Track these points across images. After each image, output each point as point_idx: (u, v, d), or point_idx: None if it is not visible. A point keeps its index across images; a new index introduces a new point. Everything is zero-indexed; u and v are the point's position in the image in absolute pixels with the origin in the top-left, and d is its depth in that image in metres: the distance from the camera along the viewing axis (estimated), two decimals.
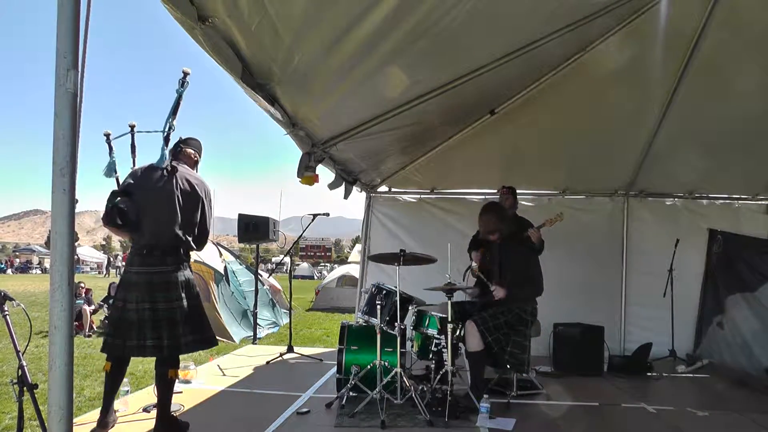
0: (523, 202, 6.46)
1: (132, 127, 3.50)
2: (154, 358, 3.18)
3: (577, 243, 6.29)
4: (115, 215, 3.02)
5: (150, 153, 3.37)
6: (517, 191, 6.45)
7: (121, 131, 3.51)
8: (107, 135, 3.48)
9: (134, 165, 3.43)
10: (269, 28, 2.57)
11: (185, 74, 3.18)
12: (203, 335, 3.27)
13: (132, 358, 3.31)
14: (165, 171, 3.21)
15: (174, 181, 3.20)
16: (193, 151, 3.47)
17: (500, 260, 4.32)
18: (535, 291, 4.22)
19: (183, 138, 3.48)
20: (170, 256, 3.16)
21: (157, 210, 3.14)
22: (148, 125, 3.71)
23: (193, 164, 3.49)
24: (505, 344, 4.03)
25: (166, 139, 3.31)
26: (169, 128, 3.28)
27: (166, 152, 3.25)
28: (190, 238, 3.26)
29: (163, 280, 3.11)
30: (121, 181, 3.32)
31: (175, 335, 3.10)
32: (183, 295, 3.16)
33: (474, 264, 4.66)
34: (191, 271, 3.32)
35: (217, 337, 8.44)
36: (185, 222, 3.21)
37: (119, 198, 3.08)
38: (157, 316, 3.06)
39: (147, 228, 3.13)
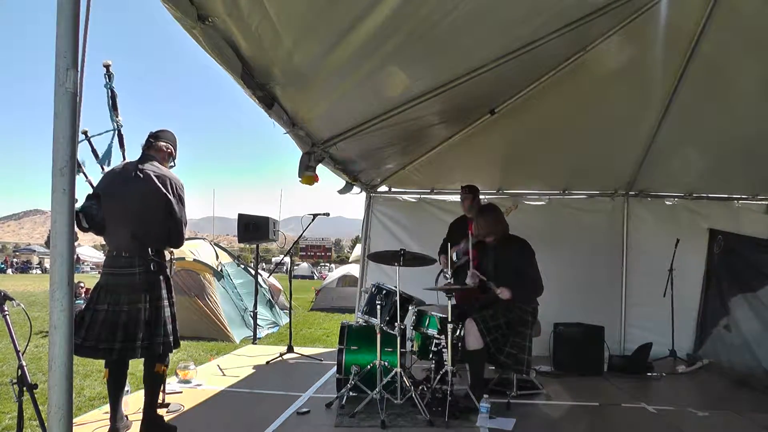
0: (523, 202, 6.47)
1: (85, 133, 3.39)
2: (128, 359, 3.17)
3: (577, 243, 6.30)
4: (80, 219, 3.00)
5: (134, 151, 3.36)
6: (517, 191, 6.51)
7: (123, 135, 3.49)
8: (84, 132, 3.42)
9: (103, 169, 3.35)
10: (269, 29, 2.57)
11: (107, 67, 3.11)
12: (167, 338, 3.15)
13: (132, 360, 3.30)
14: (135, 171, 3.14)
15: (138, 180, 3.13)
16: (164, 143, 3.35)
17: (496, 261, 4.32)
18: (534, 291, 4.21)
19: (153, 132, 3.38)
20: (138, 258, 3.09)
21: (121, 212, 3.09)
22: (148, 126, 3.69)
23: (167, 157, 3.37)
24: (503, 344, 4.03)
25: (119, 136, 3.28)
26: (117, 125, 3.25)
27: (112, 149, 3.22)
28: (158, 239, 3.18)
29: (127, 282, 3.06)
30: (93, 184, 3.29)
31: (139, 337, 3.03)
32: (147, 296, 3.09)
33: (454, 256, 4.71)
34: (164, 271, 3.22)
35: (217, 337, 8.45)
36: (150, 222, 3.14)
37: (87, 202, 3.05)
38: (121, 318, 3.02)
39: (112, 230, 3.11)
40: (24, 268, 44.71)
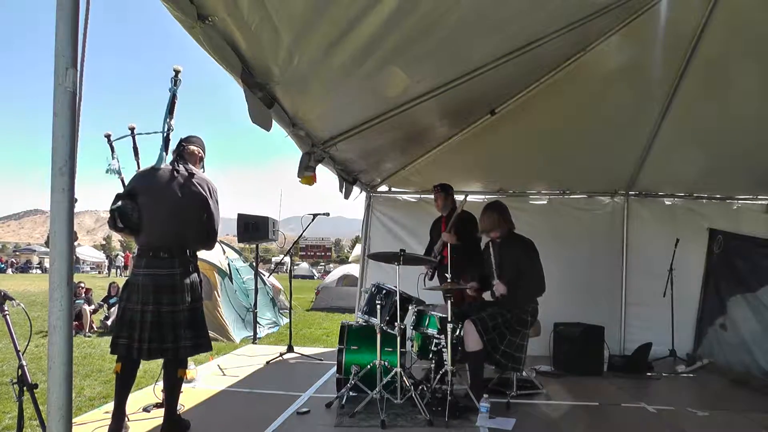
0: (523, 202, 6.48)
1: (132, 129, 3.50)
2: (154, 359, 3.19)
3: (577, 243, 6.30)
4: (115, 217, 3.03)
5: (153, 155, 3.39)
6: (517, 191, 6.50)
7: (120, 131, 3.52)
8: (108, 136, 3.49)
9: (138, 167, 3.44)
10: (269, 28, 2.57)
11: (176, 72, 3.16)
12: (202, 339, 3.26)
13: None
14: (174, 172, 3.19)
15: (178, 181, 3.19)
16: (196, 148, 3.44)
17: (500, 259, 4.32)
18: (537, 289, 4.21)
19: (184, 137, 3.46)
20: (176, 258, 3.14)
21: (161, 212, 3.12)
22: (148, 126, 3.71)
23: (198, 161, 3.45)
24: (499, 344, 4.03)
25: (166, 140, 3.31)
26: (168, 128, 3.28)
27: (164, 153, 3.25)
28: (195, 240, 3.25)
29: (168, 283, 3.10)
30: (126, 183, 3.32)
31: (177, 338, 3.10)
32: (188, 298, 3.16)
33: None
34: (199, 273, 3.30)
35: (218, 337, 8.45)
36: (190, 223, 3.20)
37: (121, 201, 3.07)
38: (160, 319, 3.06)
39: (152, 230, 3.12)
40: (24, 268, 44.71)
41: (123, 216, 3.04)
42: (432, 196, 6.56)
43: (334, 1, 2.56)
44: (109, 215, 3.14)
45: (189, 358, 3.51)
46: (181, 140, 3.42)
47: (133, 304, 3.08)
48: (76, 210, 1.82)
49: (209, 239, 3.32)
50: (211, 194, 3.30)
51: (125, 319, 3.07)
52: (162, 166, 3.25)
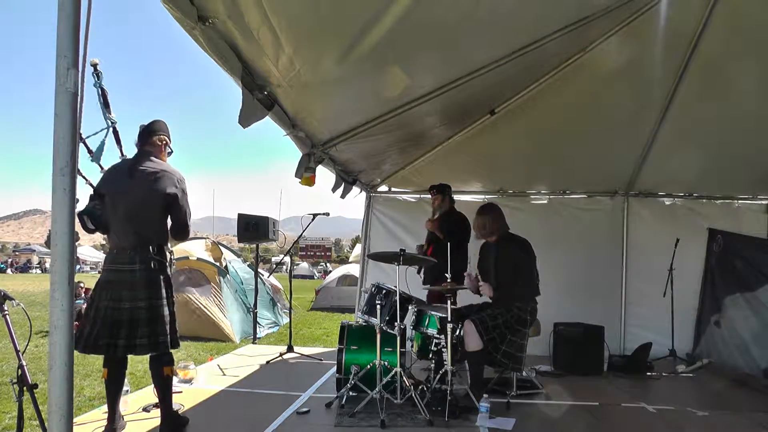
0: (523, 203, 6.48)
1: (79, 135, 3.39)
2: (150, 358, 3.18)
3: (577, 243, 6.30)
4: (84, 221, 3.02)
5: (132, 147, 3.33)
6: (517, 191, 6.50)
7: (122, 131, 3.48)
8: (79, 135, 3.42)
9: (122, 154, 3.38)
10: (269, 31, 2.57)
11: (94, 66, 3.10)
12: (157, 338, 3.11)
13: (131, 359, 3.30)
14: (133, 169, 3.14)
15: (137, 178, 3.12)
16: (157, 137, 3.31)
17: (497, 260, 4.32)
18: (528, 291, 4.21)
19: (144, 126, 3.33)
20: (140, 254, 3.09)
21: (121, 210, 3.10)
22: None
23: (163, 148, 3.34)
24: (500, 343, 4.04)
25: (115, 134, 3.27)
26: (111, 123, 3.25)
27: (104, 146, 3.21)
28: (160, 235, 3.19)
29: (129, 279, 3.06)
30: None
31: (133, 335, 3.03)
32: (147, 295, 3.09)
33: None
34: (165, 270, 3.21)
35: (218, 337, 8.44)
36: (151, 219, 3.15)
37: (90, 202, 3.07)
38: (119, 315, 3.02)
39: (114, 229, 3.12)
40: (24, 267, 44.68)
41: (92, 217, 3.03)
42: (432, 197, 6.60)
43: (338, 12, 2.56)
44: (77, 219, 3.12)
45: (189, 359, 3.50)
46: (142, 130, 3.31)
47: (101, 301, 3.06)
48: (76, 210, 1.82)
49: (180, 231, 3.25)
50: (176, 185, 3.19)
51: (94, 317, 3.02)
52: (117, 162, 3.22)
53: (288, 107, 3.55)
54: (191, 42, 2.44)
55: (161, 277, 3.16)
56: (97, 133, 3.30)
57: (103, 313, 3.03)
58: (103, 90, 3.16)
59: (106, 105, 3.20)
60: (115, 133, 3.29)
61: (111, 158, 3.36)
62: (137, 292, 3.06)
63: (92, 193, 3.16)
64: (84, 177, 3.20)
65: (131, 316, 3.03)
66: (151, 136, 3.29)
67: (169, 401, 3.22)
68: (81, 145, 3.15)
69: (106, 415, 3.24)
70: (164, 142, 3.35)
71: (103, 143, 3.24)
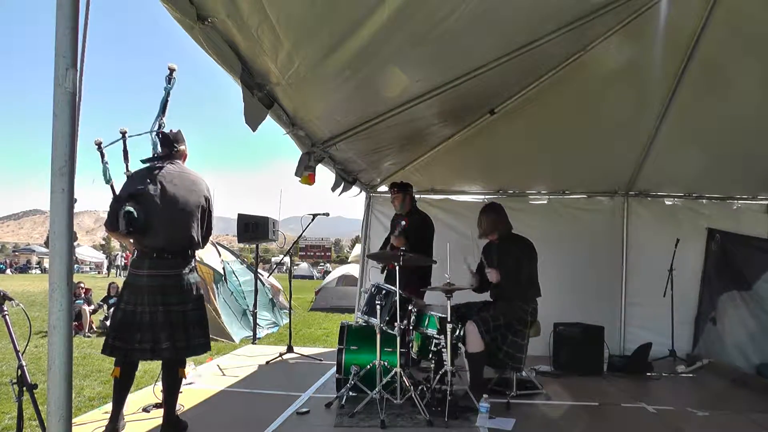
0: (523, 203, 6.48)
1: (123, 133, 3.44)
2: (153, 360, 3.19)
3: (577, 243, 6.29)
4: (124, 222, 2.95)
5: (141, 156, 3.33)
6: (517, 191, 6.50)
7: (117, 133, 3.50)
8: (98, 144, 3.46)
9: (127, 170, 3.43)
10: (269, 30, 2.57)
11: (171, 71, 3.15)
12: (208, 338, 3.31)
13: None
14: (172, 171, 3.18)
15: (178, 181, 3.18)
16: (184, 146, 3.39)
17: (499, 260, 4.32)
18: (529, 291, 4.22)
19: (173, 132, 3.36)
20: (181, 259, 3.15)
21: (165, 212, 3.08)
22: (147, 125, 3.68)
23: (185, 159, 3.42)
24: (501, 344, 4.04)
25: (161, 137, 3.30)
26: (159, 127, 3.27)
27: (159, 149, 3.25)
28: (198, 239, 3.25)
29: (176, 283, 3.10)
30: (116, 187, 3.31)
31: (188, 337, 3.12)
32: (194, 297, 3.19)
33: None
34: (198, 273, 3.33)
35: (217, 337, 8.46)
36: (193, 223, 3.19)
37: (128, 203, 2.99)
38: (170, 318, 3.06)
39: (156, 232, 3.06)
40: (23, 268, 44.69)
41: (132, 220, 2.97)
42: (433, 197, 6.60)
43: (335, 6, 2.55)
44: (108, 218, 3.06)
45: (189, 359, 3.51)
46: (170, 138, 3.33)
47: (141, 305, 3.04)
48: (75, 210, 1.82)
49: (206, 238, 3.35)
50: (208, 190, 3.31)
51: (132, 322, 3.03)
52: (157, 165, 3.23)
53: (287, 106, 3.55)
54: (191, 42, 2.44)
55: (199, 280, 3.27)
56: (142, 134, 3.38)
57: (149, 318, 3.03)
58: (168, 95, 3.20)
59: (164, 109, 3.24)
60: (159, 135, 3.32)
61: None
62: (186, 295, 3.12)
63: (119, 195, 3.13)
64: (111, 182, 3.32)
65: (179, 319, 3.08)
66: (180, 145, 3.36)
67: (174, 404, 3.22)
68: (79, 144, 3.16)
69: (105, 416, 3.24)
70: (186, 153, 3.44)
71: (155, 144, 3.28)
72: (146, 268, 3.08)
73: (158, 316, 3.03)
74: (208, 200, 3.29)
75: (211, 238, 3.46)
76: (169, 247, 3.11)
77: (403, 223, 4.61)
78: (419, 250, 4.60)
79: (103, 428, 3.14)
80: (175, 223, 3.12)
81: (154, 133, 3.29)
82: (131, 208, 2.97)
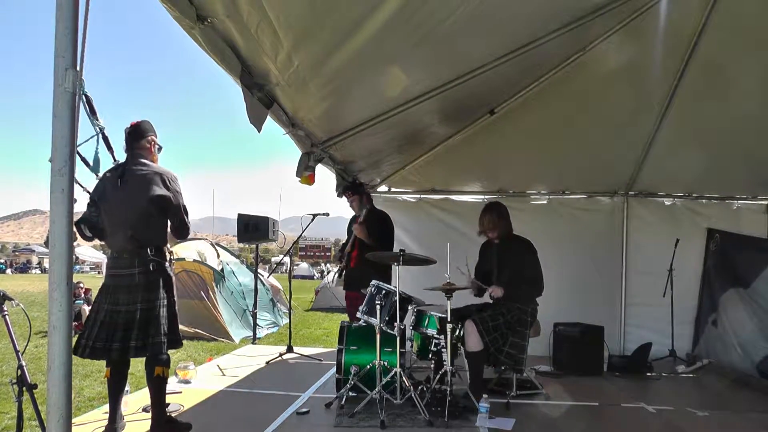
0: (523, 203, 6.47)
1: (101, 129, 3.38)
2: (145, 358, 3.18)
3: (577, 243, 6.29)
4: (82, 229, 3.08)
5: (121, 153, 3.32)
6: (517, 191, 6.49)
7: (117, 133, 3.47)
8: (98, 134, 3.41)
9: (114, 160, 3.38)
10: (268, 30, 2.57)
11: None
12: (174, 336, 3.18)
13: (133, 360, 3.29)
14: (121, 173, 3.15)
15: (126, 182, 3.13)
16: (144, 140, 3.30)
17: (498, 260, 4.32)
18: (534, 291, 4.21)
19: (129, 129, 3.31)
20: (138, 258, 3.10)
21: (117, 215, 3.12)
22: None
23: (152, 149, 3.33)
24: (502, 344, 4.03)
25: (105, 140, 3.27)
26: (100, 128, 3.24)
27: (100, 155, 3.22)
28: (157, 236, 3.19)
29: (126, 283, 3.08)
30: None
31: (144, 336, 3.05)
32: (150, 296, 3.10)
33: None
34: (164, 271, 3.20)
35: (217, 337, 8.47)
36: (146, 223, 3.14)
37: (87, 210, 3.11)
38: (117, 318, 3.03)
39: (111, 234, 3.16)
40: (23, 268, 44.70)
41: (89, 225, 3.10)
42: (432, 197, 6.60)
43: (334, 6, 2.55)
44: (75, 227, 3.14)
45: (189, 359, 3.50)
46: (129, 133, 3.29)
47: (102, 304, 3.10)
48: (75, 210, 1.82)
49: (180, 230, 3.26)
50: (168, 186, 3.18)
51: (95, 321, 3.06)
52: (98, 169, 3.23)
53: (287, 106, 3.55)
54: (191, 42, 2.44)
55: (160, 278, 3.16)
56: (87, 140, 3.28)
57: (102, 317, 3.05)
58: (87, 97, 3.15)
59: (92, 112, 3.19)
60: (105, 138, 3.28)
61: (106, 165, 3.35)
62: (135, 295, 3.07)
63: (89, 200, 3.17)
64: (81, 185, 3.21)
65: (127, 318, 3.04)
66: (139, 139, 3.29)
67: (161, 403, 3.19)
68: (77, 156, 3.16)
69: (105, 416, 3.24)
70: (152, 142, 3.34)
71: (97, 154, 3.25)
72: (107, 268, 3.20)
73: (109, 316, 3.03)
74: (167, 196, 3.15)
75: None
76: (123, 247, 3.12)
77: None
78: (384, 246, 4.95)
79: (103, 429, 3.14)
80: (126, 223, 3.11)
81: (98, 137, 3.25)
82: (86, 215, 3.10)
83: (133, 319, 3.04)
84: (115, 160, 3.34)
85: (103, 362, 3.21)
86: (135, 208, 3.11)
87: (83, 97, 3.06)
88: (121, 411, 3.24)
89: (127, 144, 3.29)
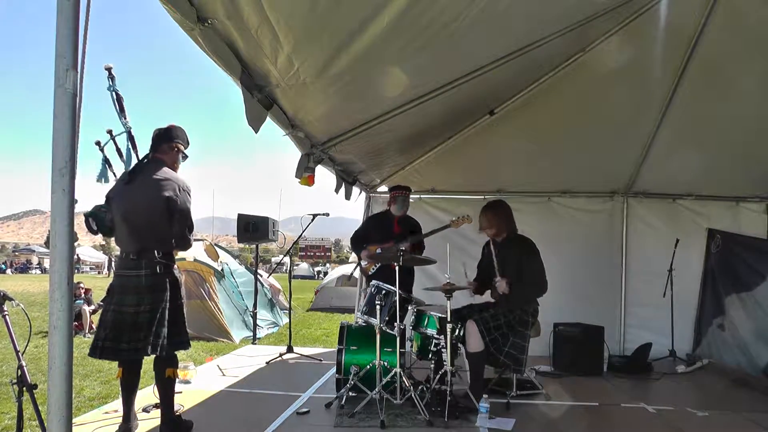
0: (523, 203, 6.47)
1: (109, 132, 3.38)
2: (154, 359, 3.19)
3: (577, 243, 6.30)
4: (89, 222, 3.11)
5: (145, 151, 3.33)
6: (517, 191, 6.50)
7: (134, 137, 3.47)
8: (99, 143, 3.43)
9: (126, 166, 3.41)
10: (269, 32, 2.56)
11: (108, 70, 3.09)
12: (160, 340, 3.10)
13: (144, 359, 3.30)
14: (137, 176, 3.17)
15: (140, 185, 3.14)
16: (168, 145, 3.30)
17: (501, 260, 4.32)
18: (537, 290, 4.21)
19: (162, 130, 3.31)
20: (144, 260, 3.11)
21: (128, 216, 3.13)
22: (149, 126, 3.66)
23: (175, 156, 3.32)
24: (503, 345, 4.03)
25: (131, 138, 3.28)
26: (127, 127, 3.25)
27: (132, 153, 3.24)
28: (163, 242, 3.18)
29: (133, 284, 3.10)
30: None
31: (135, 339, 3.04)
32: (156, 297, 3.09)
33: (364, 263, 4.89)
34: (171, 274, 3.20)
35: (217, 337, 8.45)
36: (156, 226, 3.14)
37: (96, 205, 3.15)
38: (124, 319, 3.05)
39: (121, 234, 3.17)
40: (23, 268, 44.70)
41: (97, 220, 3.12)
42: (432, 197, 6.60)
43: (336, 9, 2.55)
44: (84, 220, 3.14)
45: (189, 359, 3.51)
46: (157, 136, 3.30)
47: (111, 305, 3.13)
48: (76, 210, 1.82)
49: (182, 239, 3.23)
50: (177, 194, 3.16)
51: (104, 321, 3.11)
52: (131, 165, 3.25)
53: (287, 107, 3.55)
54: (191, 43, 2.44)
55: (167, 280, 3.17)
56: (120, 134, 3.30)
57: (111, 317, 3.07)
58: (117, 94, 3.14)
59: (121, 110, 3.19)
60: (131, 138, 3.30)
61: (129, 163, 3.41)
62: (142, 297, 3.08)
63: (106, 196, 3.23)
64: (115, 175, 3.35)
65: (134, 320, 3.05)
66: (164, 142, 3.30)
67: (170, 403, 3.22)
68: (79, 144, 3.16)
69: (106, 416, 3.26)
70: (176, 149, 3.33)
71: (129, 150, 3.27)
72: (116, 269, 3.25)
73: (117, 316, 3.06)
74: (173, 198, 3.13)
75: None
76: (131, 248, 3.14)
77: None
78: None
79: (106, 429, 3.15)
80: (134, 225, 3.13)
81: (125, 135, 3.26)
82: (94, 210, 3.13)
83: (141, 320, 3.06)
84: (139, 160, 3.36)
85: (104, 362, 3.22)
86: (145, 210, 3.13)
87: (113, 94, 3.08)
88: (134, 410, 3.26)
89: (152, 145, 3.30)
